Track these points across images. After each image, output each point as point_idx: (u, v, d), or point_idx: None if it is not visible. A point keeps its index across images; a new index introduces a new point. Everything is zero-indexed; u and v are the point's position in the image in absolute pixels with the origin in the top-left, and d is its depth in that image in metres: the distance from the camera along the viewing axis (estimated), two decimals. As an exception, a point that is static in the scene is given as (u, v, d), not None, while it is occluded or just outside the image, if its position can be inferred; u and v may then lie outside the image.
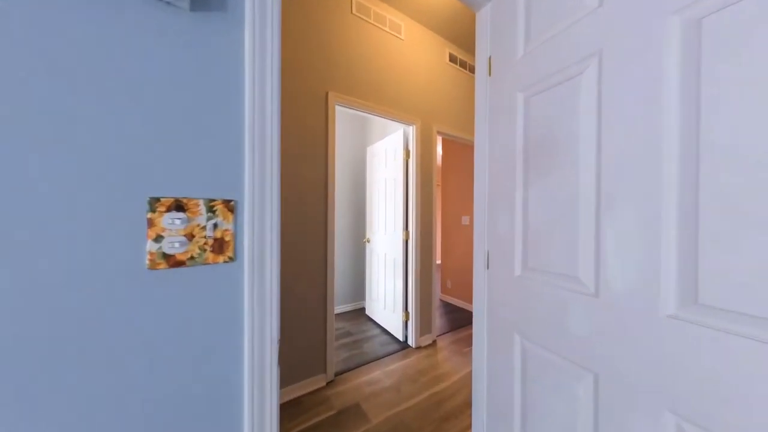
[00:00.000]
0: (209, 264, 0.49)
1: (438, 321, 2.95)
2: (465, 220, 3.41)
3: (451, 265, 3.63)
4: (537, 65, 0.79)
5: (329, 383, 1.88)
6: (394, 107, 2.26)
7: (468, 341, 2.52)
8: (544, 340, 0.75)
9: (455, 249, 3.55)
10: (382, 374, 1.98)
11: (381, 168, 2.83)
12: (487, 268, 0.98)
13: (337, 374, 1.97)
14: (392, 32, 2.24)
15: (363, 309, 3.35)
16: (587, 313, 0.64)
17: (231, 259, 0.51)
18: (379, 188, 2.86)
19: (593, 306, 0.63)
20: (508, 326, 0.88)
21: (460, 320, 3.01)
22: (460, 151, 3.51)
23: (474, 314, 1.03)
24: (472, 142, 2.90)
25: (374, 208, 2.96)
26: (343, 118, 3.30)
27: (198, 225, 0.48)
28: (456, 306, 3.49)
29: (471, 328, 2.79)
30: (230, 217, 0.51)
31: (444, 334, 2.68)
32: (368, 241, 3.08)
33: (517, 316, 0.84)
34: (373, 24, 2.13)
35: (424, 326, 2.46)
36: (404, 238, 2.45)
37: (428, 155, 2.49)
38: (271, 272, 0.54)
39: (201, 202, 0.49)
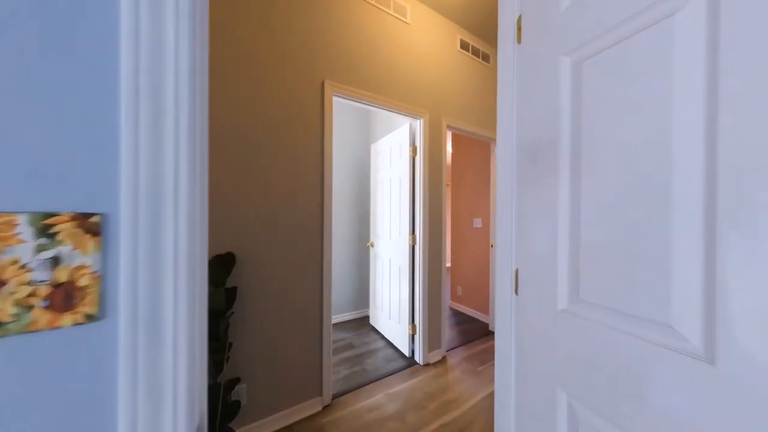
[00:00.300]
0: (41, 331, 0.29)
1: (448, 332, 2.72)
2: (477, 222, 3.15)
3: (461, 271, 3.38)
4: (594, 14, 0.55)
5: (325, 408, 1.67)
6: (399, 99, 2.03)
7: (482, 357, 2.27)
8: (608, 410, 0.51)
9: (466, 253, 3.30)
10: (386, 398, 1.76)
11: (385, 166, 2.61)
12: (516, 293, 0.75)
13: (335, 396, 1.77)
14: (397, 15, 2.02)
15: (367, 317, 3.14)
16: (692, 386, 0.41)
17: (91, 318, 0.31)
18: (383, 189, 2.65)
19: (704, 377, 0.40)
20: (546, 378, 0.64)
21: (472, 332, 2.76)
22: (472, 148, 3.25)
23: (497, 356, 0.80)
24: (486, 138, 2.65)
25: (378, 211, 2.75)
26: (345, 112, 3.10)
27: (13, 262, 0.28)
28: (468, 315, 3.23)
29: (485, 342, 2.54)
30: (91, 243, 0.31)
31: (455, 348, 2.44)
32: (372, 246, 2.87)
33: (562, 366, 0.61)
34: (374, 5, 1.92)
35: (432, 341, 2.23)
36: (411, 243, 2.23)
37: (437, 151, 2.26)
38: (175, 336, 0.32)
39: (20, 218, 0.28)
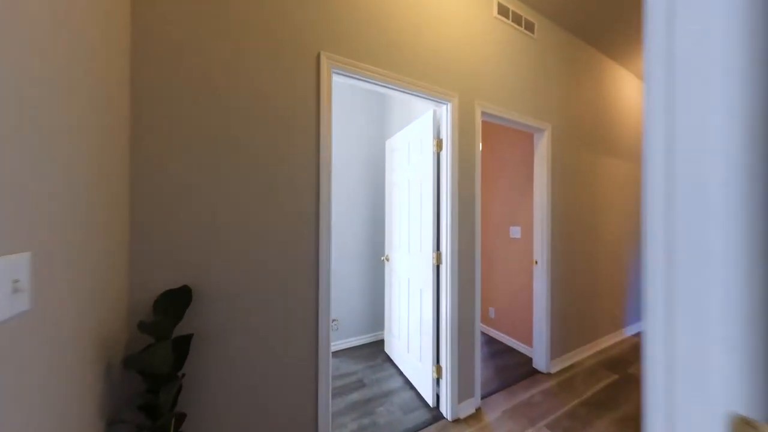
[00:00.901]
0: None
1: (480, 367, 2.20)
2: (515, 231, 2.60)
3: (494, 289, 2.84)
4: None
5: (322, 491, 1.24)
6: (419, 77, 1.57)
7: (531, 411, 1.74)
8: None
9: (501, 268, 2.75)
10: (403, 478, 1.30)
11: (402, 166, 2.15)
12: None
13: (336, 470, 1.33)
14: (416, -32, 1.56)
15: (381, 342, 2.69)
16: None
17: None
18: (399, 193, 2.19)
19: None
20: None
21: (512, 370, 2.22)
22: (508, 140, 2.70)
23: None
24: (528, 127, 2.11)
25: (394, 220, 2.29)
26: (354, 102, 2.68)
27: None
28: (503, 345, 2.69)
29: (531, 386, 2.00)
30: None
31: (492, 395, 1.93)
32: (387, 260, 2.42)
33: None
34: (388, -45, 1.47)
35: (464, 387, 1.73)
36: (435, 261, 1.75)
37: (468, 145, 1.77)
38: None
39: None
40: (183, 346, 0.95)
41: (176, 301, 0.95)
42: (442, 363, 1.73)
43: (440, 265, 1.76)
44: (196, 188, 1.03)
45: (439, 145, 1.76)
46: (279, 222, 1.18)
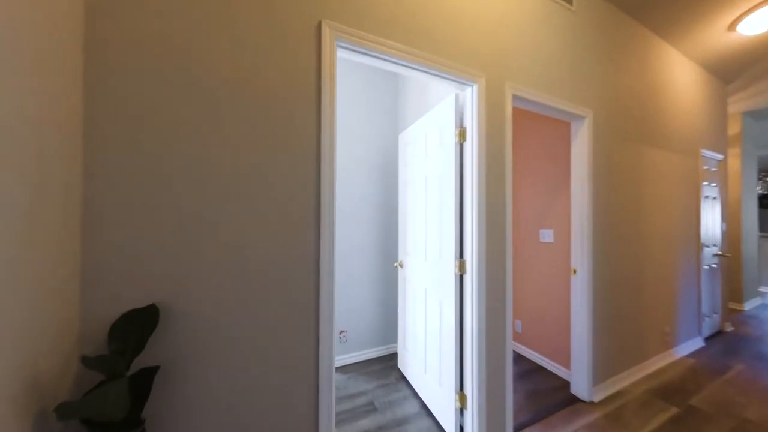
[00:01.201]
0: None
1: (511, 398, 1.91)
2: (546, 235, 2.29)
3: (521, 299, 2.53)
4: None
5: None
6: (440, 53, 1.33)
7: (573, 454, 1.44)
8: None
9: (529, 276, 2.45)
10: None
11: (418, 160, 1.91)
12: None
13: None
14: (437, -76, 1.32)
15: (394, 356, 2.45)
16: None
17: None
18: (415, 191, 1.95)
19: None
20: None
21: (546, 395, 1.92)
22: (539, 128, 2.40)
23: None
24: (563, 114, 1.82)
25: (408, 221, 2.05)
26: (361, 91, 2.46)
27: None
28: (534, 363, 2.38)
29: (573, 417, 1.69)
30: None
31: (525, 428, 1.64)
32: (401, 266, 2.18)
33: None
34: None
35: (492, 420, 1.46)
36: (458, 271, 1.49)
37: (497, 133, 1.51)
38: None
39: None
40: (144, 382, 0.75)
41: (138, 325, 0.76)
42: (467, 390, 1.46)
43: (464, 275, 1.50)
44: (167, 184, 0.84)
45: (462, 134, 1.51)
46: (272, 225, 0.97)
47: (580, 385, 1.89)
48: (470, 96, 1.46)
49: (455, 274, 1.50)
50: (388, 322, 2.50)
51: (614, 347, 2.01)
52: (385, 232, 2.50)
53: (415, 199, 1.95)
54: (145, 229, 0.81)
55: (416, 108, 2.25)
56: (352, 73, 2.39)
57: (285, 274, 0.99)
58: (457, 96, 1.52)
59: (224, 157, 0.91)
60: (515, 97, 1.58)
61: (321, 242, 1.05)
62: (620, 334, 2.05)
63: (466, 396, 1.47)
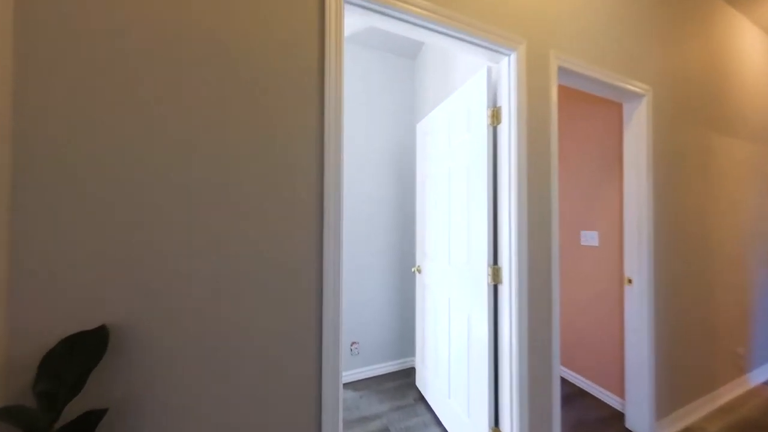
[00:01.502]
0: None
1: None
2: (589, 237, 1.97)
3: (560, 312, 2.21)
4: None
5: None
6: (471, 13, 1.09)
7: None
8: None
9: (567, 285, 2.13)
10: None
11: (441, 150, 1.66)
12: None
13: None
14: None
15: (411, 371, 2.20)
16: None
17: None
18: (436, 186, 1.70)
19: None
20: None
21: (595, 427, 1.61)
22: (581, 112, 2.09)
23: None
24: (622, 90, 1.52)
25: (428, 221, 1.81)
26: (374, 75, 2.24)
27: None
28: (575, 386, 2.05)
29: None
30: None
31: (574, 473, 1.34)
32: (419, 272, 1.94)
33: None
34: None
35: (535, 465, 1.19)
36: (491, 280, 1.24)
37: (540, 113, 1.25)
38: None
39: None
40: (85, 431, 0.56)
41: (81, 354, 0.57)
42: (505, 427, 1.20)
43: (499, 285, 1.24)
44: (126, 175, 0.65)
45: (495, 115, 1.25)
46: (262, 225, 0.77)
47: (639, 419, 1.56)
48: (507, 68, 1.20)
49: (487, 283, 1.25)
50: (403, 333, 2.26)
51: (680, 373, 1.66)
52: (401, 233, 2.27)
53: (437, 195, 1.70)
54: (94, 234, 0.62)
55: (437, 93, 2.01)
56: (357, 53, 2.18)
57: (280, 293, 0.78)
58: (489, 70, 1.27)
59: (197, 143, 0.72)
60: (561, 70, 1.30)
61: (324, 243, 0.84)
62: (686, 357, 1.70)
63: (502, 432, 1.21)
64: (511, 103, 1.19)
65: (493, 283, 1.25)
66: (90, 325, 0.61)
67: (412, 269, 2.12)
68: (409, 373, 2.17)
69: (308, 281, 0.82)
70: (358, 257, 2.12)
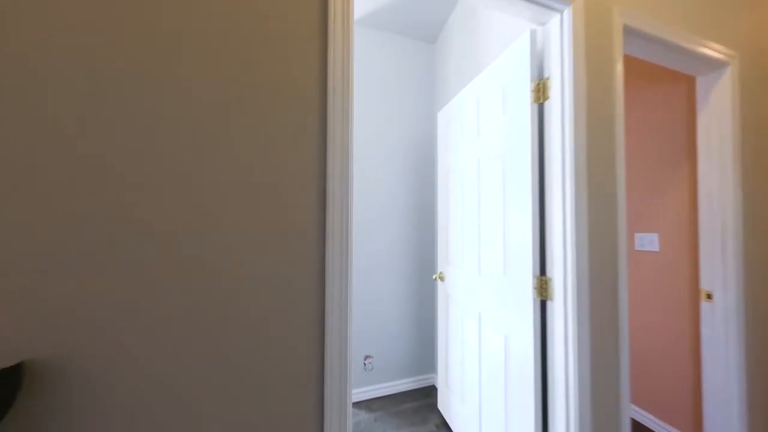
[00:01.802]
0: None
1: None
2: (646, 240, 1.66)
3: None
4: None
5: None
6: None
7: None
8: None
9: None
10: None
11: (468, 139, 1.43)
12: None
13: None
14: None
15: (431, 389, 1.96)
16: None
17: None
18: (462, 181, 1.47)
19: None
20: None
21: (661, 478, 1.30)
22: (637, 88, 1.78)
23: None
24: (699, 56, 1.22)
25: (452, 222, 1.57)
26: (390, 59, 2.03)
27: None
28: (639, 422, 1.73)
29: None
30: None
31: None
32: (441, 279, 1.70)
33: None
34: None
35: None
36: (536, 294, 0.99)
37: (602, 84, 0.99)
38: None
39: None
40: None
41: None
42: (556, 482, 0.94)
43: (547, 301, 0.99)
44: (85, 154, 0.48)
45: (542, 89, 1.00)
46: (251, 226, 0.58)
47: (723, 470, 1.24)
48: (558, 28, 0.95)
49: (532, 298, 1.00)
50: (423, 346, 2.03)
51: (774, 413, 1.32)
52: (420, 236, 2.04)
53: (462, 192, 1.46)
54: (29, 234, 0.45)
55: (462, 76, 1.77)
56: (375, 45, 1.99)
57: (264, 311, 0.59)
58: (533, 33, 1.02)
59: (176, 121, 0.54)
60: (627, 30, 1.03)
61: (327, 244, 0.64)
62: (781, 393, 1.35)
63: (552, 488, 0.95)
64: (565, 72, 0.94)
65: (539, 299, 1.00)
66: (27, 355, 0.44)
67: (434, 276, 1.88)
68: (428, 393, 1.94)
69: (307, 290, 0.62)
70: (371, 259, 1.92)
